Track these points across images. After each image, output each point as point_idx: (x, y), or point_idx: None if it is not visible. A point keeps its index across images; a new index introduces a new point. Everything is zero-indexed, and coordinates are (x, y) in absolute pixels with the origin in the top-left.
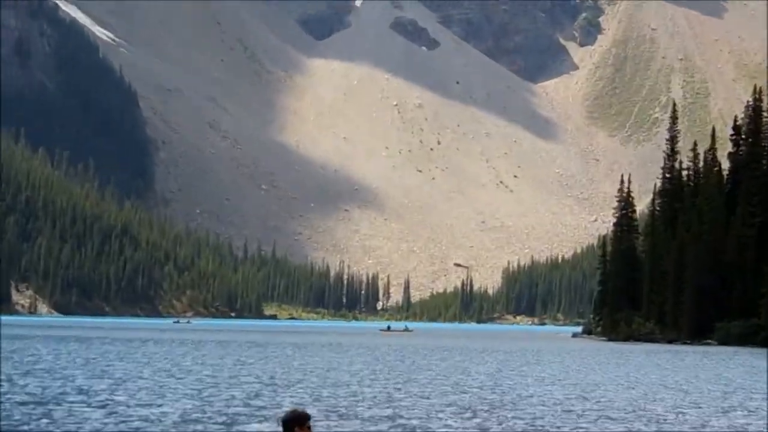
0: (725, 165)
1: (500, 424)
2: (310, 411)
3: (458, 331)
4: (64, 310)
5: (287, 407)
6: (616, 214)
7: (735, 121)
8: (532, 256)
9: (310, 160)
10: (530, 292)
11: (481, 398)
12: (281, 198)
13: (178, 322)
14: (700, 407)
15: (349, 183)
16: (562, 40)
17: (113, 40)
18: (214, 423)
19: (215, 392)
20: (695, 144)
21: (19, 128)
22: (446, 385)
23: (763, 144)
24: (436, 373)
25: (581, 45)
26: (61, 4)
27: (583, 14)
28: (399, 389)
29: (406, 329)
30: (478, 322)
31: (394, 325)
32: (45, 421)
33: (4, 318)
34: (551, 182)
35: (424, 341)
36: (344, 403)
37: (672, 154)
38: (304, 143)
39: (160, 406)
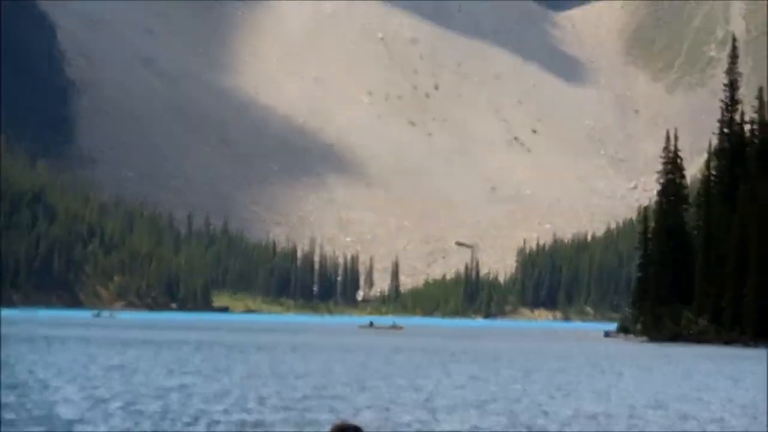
0: None
1: None
2: None
3: (461, 329)
4: None
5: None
6: (661, 180)
7: None
8: (555, 234)
9: (271, 110)
10: (551, 280)
11: None
12: (235, 158)
13: (98, 315)
14: None
15: (322, 139)
16: None
17: None
18: None
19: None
20: (761, 90)
21: None
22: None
23: None
24: (429, 394)
25: None
26: None
27: None
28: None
29: (394, 326)
30: (486, 317)
31: (378, 320)
32: None
33: None
34: (579, 139)
35: (415, 342)
36: None
37: (731, 103)
38: (265, 89)
39: None
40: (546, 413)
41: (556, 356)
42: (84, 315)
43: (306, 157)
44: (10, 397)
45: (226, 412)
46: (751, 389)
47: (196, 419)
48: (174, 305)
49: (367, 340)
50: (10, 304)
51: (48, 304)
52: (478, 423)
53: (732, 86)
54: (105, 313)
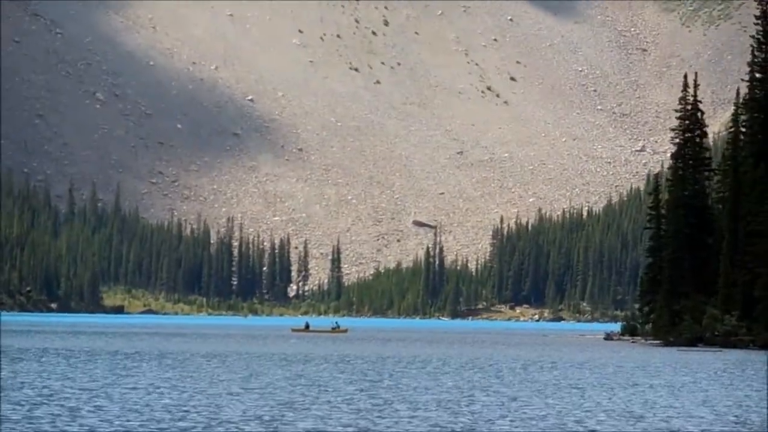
0: None
1: None
2: None
3: (421, 331)
4: None
5: None
6: (676, 140)
7: None
8: (540, 209)
9: (174, 53)
10: (537, 268)
11: None
12: (128, 115)
13: None
14: None
15: (240, 91)
16: None
17: None
18: None
19: None
20: None
21: None
22: None
23: None
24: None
25: None
26: None
27: None
28: None
29: (336, 328)
30: (454, 316)
31: (315, 321)
32: None
33: None
34: (570, 88)
35: (362, 349)
36: None
37: (766, 40)
38: (165, 25)
39: None
40: None
41: (546, 368)
42: None
43: (219, 114)
44: None
45: None
46: None
47: None
48: (54, 305)
49: (302, 347)
50: None
51: None
52: None
53: (766, 18)
54: None
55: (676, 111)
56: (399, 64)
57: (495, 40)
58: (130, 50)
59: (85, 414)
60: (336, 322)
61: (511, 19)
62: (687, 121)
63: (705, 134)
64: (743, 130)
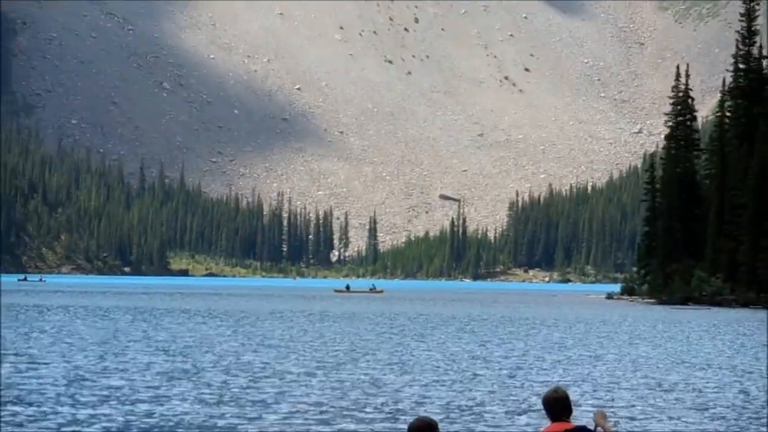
0: None
1: None
2: None
3: (447, 292)
4: None
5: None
6: (670, 123)
7: None
8: (551, 184)
9: (231, 47)
10: (547, 236)
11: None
12: (192, 102)
13: (25, 279)
14: None
15: (289, 80)
16: None
17: None
18: None
19: None
20: None
21: None
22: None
23: None
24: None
25: None
26: None
27: None
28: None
29: (373, 289)
30: (475, 278)
31: (355, 283)
32: None
33: None
34: (577, 78)
35: (397, 308)
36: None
37: (748, 35)
38: (223, 23)
39: None
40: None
41: (555, 322)
42: (10, 280)
43: (270, 101)
44: None
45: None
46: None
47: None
48: (127, 269)
49: (345, 306)
50: None
51: None
52: (470, 395)
53: (749, 15)
54: (33, 278)
55: (670, 98)
56: (427, 56)
57: (511, 35)
58: (193, 45)
59: (177, 358)
60: (373, 284)
61: (525, 17)
62: (679, 107)
63: (695, 118)
64: (728, 114)
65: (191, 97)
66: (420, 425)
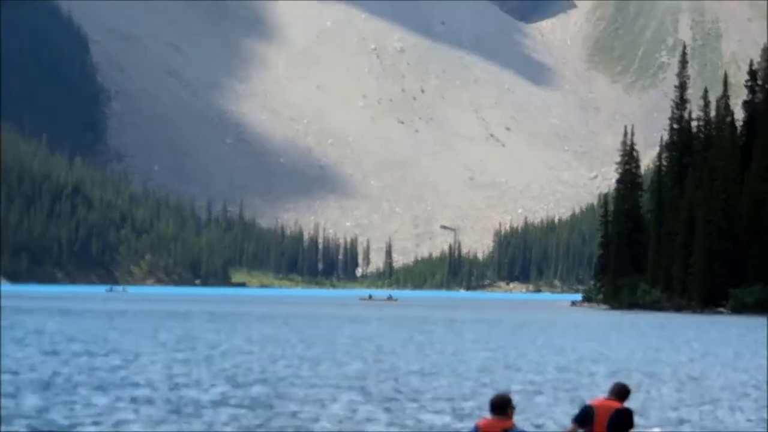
0: (739, 114)
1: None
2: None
3: (445, 299)
4: (13, 278)
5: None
6: (619, 170)
7: (750, 65)
8: (526, 217)
9: (279, 111)
10: (524, 257)
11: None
12: (248, 153)
13: (111, 290)
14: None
15: (324, 136)
16: None
17: None
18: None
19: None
20: (706, 91)
21: None
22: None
23: None
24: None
25: None
26: None
27: None
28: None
29: (390, 298)
30: (467, 289)
31: (375, 293)
32: None
33: None
34: (547, 135)
35: (408, 312)
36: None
37: (680, 102)
38: (273, 92)
39: None
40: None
41: (529, 323)
42: (99, 290)
43: (310, 153)
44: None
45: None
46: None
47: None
48: (197, 281)
49: (368, 311)
50: (55, 281)
51: (87, 282)
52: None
53: (681, 88)
54: (118, 288)
55: (619, 151)
56: (431, 119)
57: (496, 102)
58: (249, 109)
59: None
60: (389, 294)
61: (507, 88)
62: (626, 158)
63: (638, 167)
64: (665, 164)
65: (248, 150)
66: (498, 398)
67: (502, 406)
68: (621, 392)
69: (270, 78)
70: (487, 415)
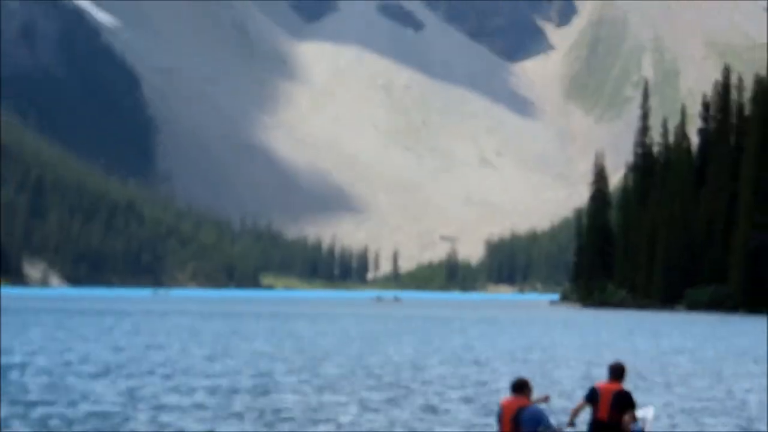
0: (695, 141)
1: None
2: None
3: (444, 300)
4: (75, 282)
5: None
6: (591, 190)
7: (704, 98)
8: (513, 230)
9: (301, 139)
10: (511, 263)
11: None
12: (275, 175)
13: (155, 292)
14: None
15: (340, 160)
16: (540, 21)
17: (115, 23)
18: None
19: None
20: (665, 121)
21: (26, 109)
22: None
23: (730, 121)
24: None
25: (558, 26)
26: None
27: None
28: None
29: (396, 299)
30: (462, 290)
31: (384, 294)
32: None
33: (16, 290)
34: (531, 160)
35: (412, 311)
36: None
37: (643, 131)
38: (296, 123)
39: None
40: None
41: (516, 317)
42: (145, 293)
43: (329, 174)
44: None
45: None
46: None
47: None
48: (232, 284)
49: (378, 310)
50: (110, 284)
51: (139, 285)
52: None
53: (643, 118)
54: (161, 291)
55: (591, 173)
56: (433, 146)
57: (488, 132)
58: (275, 138)
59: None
60: (396, 295)
61: (498, 120)
62: (597, 179)
63: (607, 186)
64: (630, 184)
65: (275, 173)
66: (517, 380)
67: (520, 386)
68: (617, 371)
69: (293, 111)
70: (508, 395)
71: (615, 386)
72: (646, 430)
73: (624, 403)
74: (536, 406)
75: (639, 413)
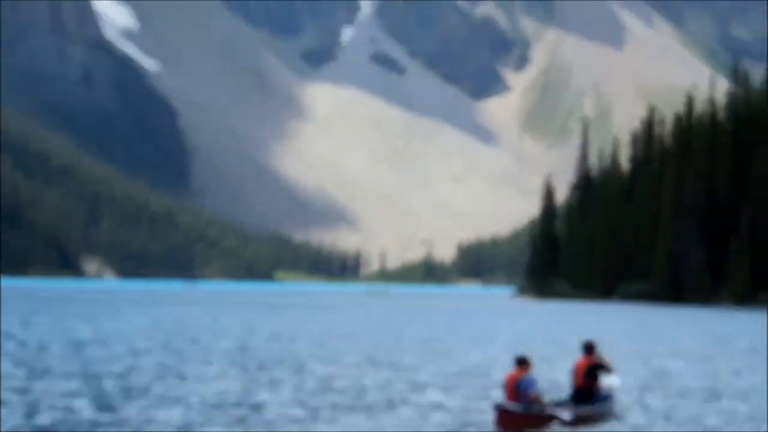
0: (625, 167)
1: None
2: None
3: (422, 293)
4: (123, 275)
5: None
6: (543, 204)
7: (633, 132)
8: (479, 235)
9: (308, 163)
10: (478, 262)
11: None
12: (286, 192)
13: (186, 284)
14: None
15: (338, 181)
16: (500, 68)
17: (156, 67)
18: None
19: None
20: (601, 150)
21: (86, 139)
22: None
23: (654, 151)
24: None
25: (516, 71)
26: (116, 41)
27: (517, 47)
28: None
29: (385, 292)
30: (438, 284)
31: (374, 288)
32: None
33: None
34: (494, 178)
35: (399, 302)
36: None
37: (583, 158)
38: (303, 150)
39: None
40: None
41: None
42: (178, 285)
43: (329, 191)
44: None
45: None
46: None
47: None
48: (251, 278)
49: (370, 300)
50: (152, 278)
51: (173, 277)
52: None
53: (584, 147)
54: (191, 282)
55: (543, 192)
56: (413, 167)
57: (459, 155)
58: (285, 162)
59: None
60: (385, 288)
61: (467, 147)
62: (546, 196)
63: (555, 202)
64: (573, 200)
65: (286, 190)
66: (518, 356)
67: (520, 361)
68: (589, 348)
69: (300, 140)
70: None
71: (587, 360)
72: (613, 395)
73: (593, 374)
74: (531, 376)
75: (606, 381)
